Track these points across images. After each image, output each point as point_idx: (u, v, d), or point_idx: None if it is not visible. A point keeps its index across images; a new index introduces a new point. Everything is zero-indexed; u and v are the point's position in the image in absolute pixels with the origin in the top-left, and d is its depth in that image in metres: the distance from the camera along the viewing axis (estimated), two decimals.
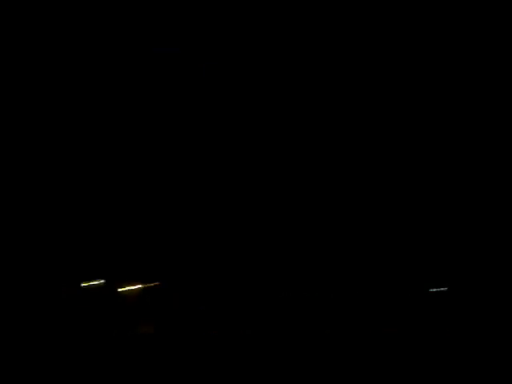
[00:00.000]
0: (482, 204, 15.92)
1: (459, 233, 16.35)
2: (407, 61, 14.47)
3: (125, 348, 14.31)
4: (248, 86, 14.62)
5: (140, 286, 15.34)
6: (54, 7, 13.17)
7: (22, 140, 13.68)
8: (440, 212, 16.75)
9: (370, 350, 14.62)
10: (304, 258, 16.97)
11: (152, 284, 15.51)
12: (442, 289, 16.20)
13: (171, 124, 14.74)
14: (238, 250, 15.91)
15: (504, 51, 13.77)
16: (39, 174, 13.79)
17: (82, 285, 14.76)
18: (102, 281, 14.88)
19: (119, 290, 15.16)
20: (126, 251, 14.93)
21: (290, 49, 14.20)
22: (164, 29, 13.93)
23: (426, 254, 17.41)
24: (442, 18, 13.77)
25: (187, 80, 14.44)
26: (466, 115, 15.04)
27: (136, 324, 15.24)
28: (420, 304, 16.29)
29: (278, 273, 16.74)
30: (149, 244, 15.01)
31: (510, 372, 13.10)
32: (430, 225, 17.33)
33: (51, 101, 13.96)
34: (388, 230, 17.43)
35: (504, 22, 13.36)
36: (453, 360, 13.85)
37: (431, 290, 16.30)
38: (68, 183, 14.07)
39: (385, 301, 16.57)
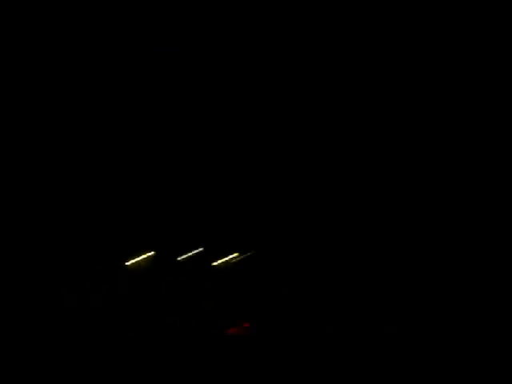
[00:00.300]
0: (482, 204, 15.91)
1: (459, 233, 16.34)
2: (406, 62, 14.47)
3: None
4: (248, 86, 14.62)
5: (234, 255, 15.90)
6: (56, 7, 13.18)
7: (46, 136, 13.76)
8: (439, 213, 16.74)
9: (370, 350, 14.61)
10: (305, 259, 16.96)
11: (245, 254, 16.04)
12: (442, 289, 16.19)
13: (171, 123, 14.74)
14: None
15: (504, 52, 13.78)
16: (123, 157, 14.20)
17: (180, 258, 15.28)
18: (198, 250, 15.38)
19: (215, 260, 15.72)
20: (222, 223, 15.42)
21: (289, 49, 14.20)
22: (164, 29, 13.94)
23: (425, 254, 17.40)
24: (441, 18, 13.77)
25: (187, 80, 14.44)
26: (465, 116, 15.03)
27: (229, 293, 15.82)
28: (420, 304, 16.28)
29: (277, 273, 16.72)
30: (242, 216, 15.48)
31: (510, 372, 13.09)
32: (429, 225, 17.32)
33: (52, 100, 13.97)
34: (388, 230, 17.42)
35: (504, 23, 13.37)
36: (453, 360, 13.84)
37: (431, 290, 16.29)
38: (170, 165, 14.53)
39: (385, 301, 16.55)
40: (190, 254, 15.66)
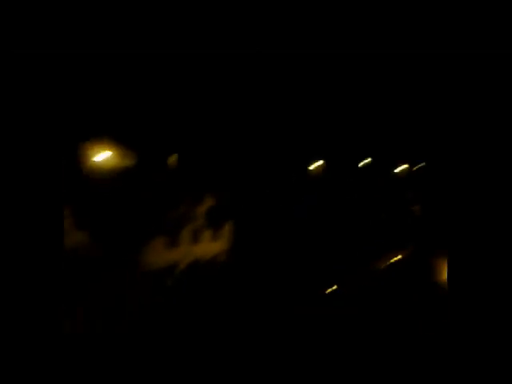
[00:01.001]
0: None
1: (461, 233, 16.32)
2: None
3: None
4: (249, 86, 14.61)
5: (407, 166, 16.74)
6: (55, 7, 13.15)
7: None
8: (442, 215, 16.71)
9: (369, 348, 14.66)
10: (306, 257, 16.98)
11: (419, 165, 16.86)
12: (442, 288, 16.21)
13: (171, 124, 14.74)
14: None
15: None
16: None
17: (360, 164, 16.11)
18: (369, 159, 16.03)
19: (391, 169, 16.66)
20: (395, 133, 15.94)
21: (291, 49, 14.19)
22: (164, 29, 13.91)
23: (424, 253, 17.42)
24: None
25: (187, 80, 14.43)
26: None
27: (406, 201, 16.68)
28: (419, 304, 16.32)
29: (280, 273, 16.73)
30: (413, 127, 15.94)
31: (510, 372, 13.13)
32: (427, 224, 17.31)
33: (50, 100, 13.95)
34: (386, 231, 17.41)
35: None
36: (453, 360, 13.88)
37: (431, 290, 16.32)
38: None
39: (385, 301, 16.57)
40: (362, 163, 16.63)
